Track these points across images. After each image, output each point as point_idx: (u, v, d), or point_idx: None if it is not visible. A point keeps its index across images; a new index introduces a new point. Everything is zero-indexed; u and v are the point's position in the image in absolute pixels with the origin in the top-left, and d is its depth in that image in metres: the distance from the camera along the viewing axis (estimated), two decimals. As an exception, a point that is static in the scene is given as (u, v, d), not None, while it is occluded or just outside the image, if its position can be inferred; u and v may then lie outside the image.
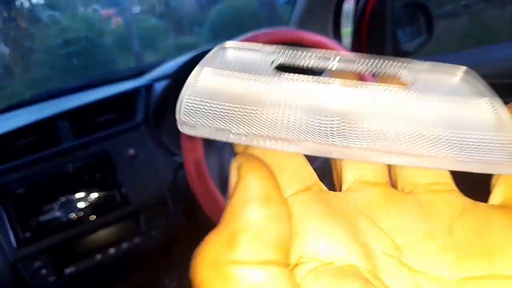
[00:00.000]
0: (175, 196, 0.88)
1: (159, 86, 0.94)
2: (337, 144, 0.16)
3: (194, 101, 0.17)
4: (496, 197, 0.17)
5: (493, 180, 0.18)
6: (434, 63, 0.20)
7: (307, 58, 0.20)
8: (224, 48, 0.20)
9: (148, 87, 0.95)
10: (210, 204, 0.74)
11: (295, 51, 0.20)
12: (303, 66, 0.20)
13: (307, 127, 0.17)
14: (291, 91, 0.18)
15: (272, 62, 0.20)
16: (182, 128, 0.17)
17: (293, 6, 1.18)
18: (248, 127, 0.16)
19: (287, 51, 0.20)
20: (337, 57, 0.20)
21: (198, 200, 0.75)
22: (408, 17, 1.21)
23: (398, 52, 1.11)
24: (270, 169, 0.15)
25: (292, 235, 0.15)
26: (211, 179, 0.74)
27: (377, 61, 0.20)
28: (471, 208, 0.17)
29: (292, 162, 0.16)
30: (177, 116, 0.16)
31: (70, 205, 0.82)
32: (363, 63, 0.20)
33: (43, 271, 0.80)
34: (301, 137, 0.16)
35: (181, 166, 0.87)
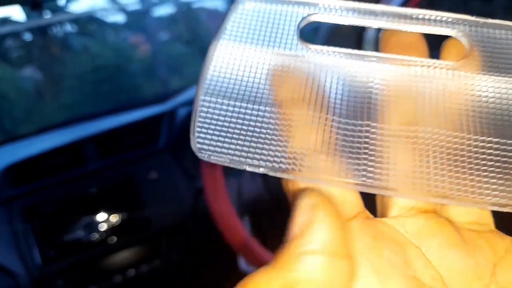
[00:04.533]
0: (195, 221, 0.89)
1: (182, 112, 0.97)
2: (381, 185, 0.16)
3: (208, 115, 0.17)
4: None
5: None
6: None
7: (343, 15, 0.18)
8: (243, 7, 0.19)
9: (172, 112, 0.97)
10: (228, 228, 0.75)
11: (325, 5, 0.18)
12: (337, 24, 0.18)
13: (344, 143, 0.16)
14: (323, 76, 0.17)
15: (299, 24, 0.18)
16: (200, 155, 0.17)
17: (315, 34, 1.20)
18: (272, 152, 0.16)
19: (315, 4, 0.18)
20: (381, 11, 0.18)
21: (216, 225, 0.76)
22: (432, 41, 1.21)
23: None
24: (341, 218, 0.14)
25: None
26: (230, 204, 0.75)
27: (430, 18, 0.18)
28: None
29: (339, 188, 0.16)
30: (192, 145, 0.17)
31: (93, 226, 0.84)
32: (413, 21, 0.18)
33: (65, 290, 0.82)
34: (341, 160, 0.16)
35: (201, 190, 0.88)
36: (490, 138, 0.16)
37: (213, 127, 0.17)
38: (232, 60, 0.18)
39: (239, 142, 0.17)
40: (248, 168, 0.16)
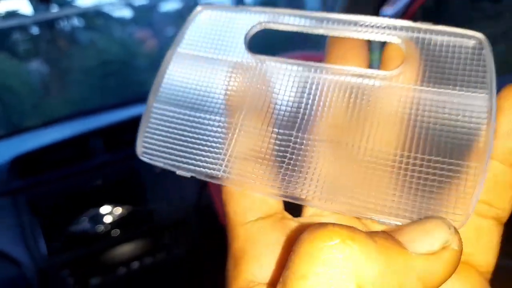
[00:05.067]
0: (199, 215, 0.90)
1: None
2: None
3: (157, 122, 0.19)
4: None
5: None
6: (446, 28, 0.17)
7: (290, 20, 0.19)
8: (199, 15, 0.20)
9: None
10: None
11: (275, 13, 0.19)
12: (287, 30, 0.19)
13: (275, 153, 0.17)
14: (266, 86, 0.18)
15: (247, 33, 0.19)
16: (141, 157, 0.19)
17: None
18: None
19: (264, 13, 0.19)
20: (325, 20, 0.18)
21: (221, 220, 0.77)
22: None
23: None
24: None
25: (245, 259, 0.16)
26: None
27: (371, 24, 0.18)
28: None
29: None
30: (137, 147, 0.19)
31: (98, 218, 0.85)
32: (357, 27, 0.18)
33: (70, 280, 0.83)
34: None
35: (205, 185, 0.89)
36: (415, 154, 0.16)
37: (159, 132, 0.19)
38: (186, 69, 0.19)
39: (181, 148, 0.18)
40: (178, 172, 0.18)
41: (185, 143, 0.18)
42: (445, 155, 0.16)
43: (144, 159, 0.19)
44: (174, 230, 0.89)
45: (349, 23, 0.18)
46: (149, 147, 0.19)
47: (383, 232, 0.14)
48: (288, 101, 0.18)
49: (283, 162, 0.17)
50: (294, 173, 0.17)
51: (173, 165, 0.18)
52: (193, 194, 0.89)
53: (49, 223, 0.83)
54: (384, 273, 0.12)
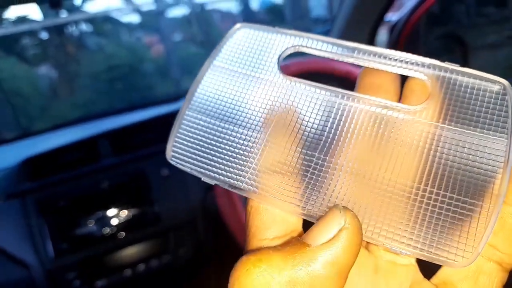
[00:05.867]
0: (204, 217, 0.91)
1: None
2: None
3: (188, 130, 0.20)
4: (435, 278, 0.18)
5: None
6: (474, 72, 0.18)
7: (323, 46, 0.19)
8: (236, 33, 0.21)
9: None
10: (237, 225, 0.76)
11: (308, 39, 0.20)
12: (318, 55, 0.20)
13: (301, 173, 0.18)
14: (295, 107, 0.19)
15: (280, 55, 0.20)
16: (171, 161, 0.20)
17: (327, 35, 1.21)
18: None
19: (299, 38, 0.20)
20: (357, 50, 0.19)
21: (226, 221, 0.77)
22: (443, 48, 1.21)
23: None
24: None
25: None
26: (240, 201, 0.76)
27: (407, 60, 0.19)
28: (417, 285, 0.18)
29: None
30: (166, 151, 0.20)
31: (105, 221, 0.86)
32: (387, 60, 0.19)
33: (76, 283, 0.84)
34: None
35: (211, 188, 0.89)
36: (432, 189, 0.17)
37: (188, 139, 0.20)
38: (220, 82, 0.20)
39: (208, 156, 0.19)
40: (203, 178, 0.19)
41: (212, 152, 0.19)
42: (460, 193, 0.16)
43: (173, 162, 0.20)
44: (180, 233, 0.90)
45: (379, 55, 0.19)
46: (178, 152, 0.20)
47: (295, 238, 0.16)
48: (314, 123, 0.19)
49: (305, 181, 0.18)
50: (313, 193, 0.18)
51: (199, 172, 0.19)
52: (199, 197, 0.90)
53: (57, 225, 0.84)
54: (294, 273, 0.14)
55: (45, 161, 0.91)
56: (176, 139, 0.20)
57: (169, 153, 0.20)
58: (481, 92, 0.18)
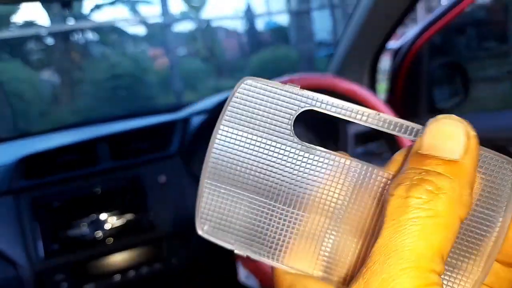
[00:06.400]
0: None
1: (196, 120, 0.98)
2: None
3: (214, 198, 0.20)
4: None
5: None
6: None
7: (333, 108, 0.19)
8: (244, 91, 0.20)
9: (186, 120, 0.99)
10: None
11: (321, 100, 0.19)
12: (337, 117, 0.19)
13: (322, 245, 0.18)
14: (310, 176, 0.19)
15: (292, 117, 0.19)
16: (200, 232, 0.20)
17: (331, 58, 1.22)
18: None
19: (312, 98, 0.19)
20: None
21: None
22: (445, 76, 1.22)
23: (433, 110, 1.12)
24: None
25: None
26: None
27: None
28: None
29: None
30: (196, 222, 0.20)
31: (98, 224, 0.85)
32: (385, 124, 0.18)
33: (64, 285, 0.82)
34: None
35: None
36: None
37: (213, 209, 0.20)
38: (233, 145, 0.19)
39: (236, 226, 0.19)
40: (236, 251, 0.19)
41: (239, 223, 0.19)
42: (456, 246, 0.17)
43: (204, 235, 0.20)
44: (173, 241, 0.89)
45: (383, 121, 0.18)
46: (206, 223, 0.20)
47: None
48: (330, 191, 0.18)
49: (325, 253, 0.18)
50: (332, 263, 0.18)
51: (230, 243, 0.19)
52: (195, 206, 0.89)
53: (49, 225, 0.83)
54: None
55: (42, 161, 0.91)
56: (203, 210, 0.20)
57: (199, 226, 0.20)
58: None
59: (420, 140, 0.16)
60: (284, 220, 0.19)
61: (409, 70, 1.13)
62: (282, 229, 0.18)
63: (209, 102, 1.07)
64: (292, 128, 0.19)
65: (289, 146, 0.19)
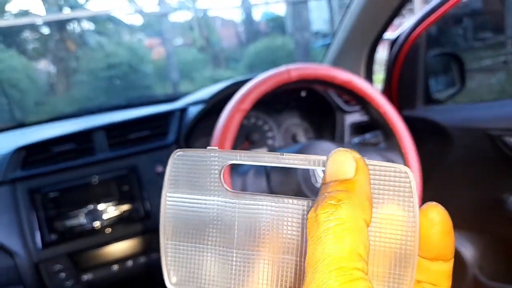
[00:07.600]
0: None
1: (193, 110, 0.98)
2: None
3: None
4: None
5: None
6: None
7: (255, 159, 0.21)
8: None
9: (183, 110, 0.99)
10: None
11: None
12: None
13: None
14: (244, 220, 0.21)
15: (220, 171, 0.22)
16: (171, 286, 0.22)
17: (327, 48, 1.22)
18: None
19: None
20: None
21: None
22: (441, 66, 1.22)
23: (429, 101, 1.12)
24: None
25: None
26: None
27: None
28: None
29: None
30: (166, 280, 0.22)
31: (96, 214, 0.85)
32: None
33: (62, 275, 0.83)
34: None
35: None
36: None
37: (178, 262, 0.22)
38: (180, 206, 0.22)
39: (202, 275, 0.21)
40: None
41: (204, 272, 0.21)
42: (385, 266, 0.19)
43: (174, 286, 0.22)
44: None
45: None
46: (174, 277, 0.22)
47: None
48: (287, 232, 0.21)
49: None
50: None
51: None
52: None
53: (46, 215, 0.84)
54: None
55: (38, 151, 0.90)
56: (168, 266, 0.22)
57: (168, 280, 0.22)
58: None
59: (325, 173, 0.19)
60: (242, 261, 0.21)
61: (405, 61, 1.13)
62: (243, 271, 0.21)
63: (206, 92, 1.07)
64: (222, 180, 0.21)
65: (222, 196, 0.21)
